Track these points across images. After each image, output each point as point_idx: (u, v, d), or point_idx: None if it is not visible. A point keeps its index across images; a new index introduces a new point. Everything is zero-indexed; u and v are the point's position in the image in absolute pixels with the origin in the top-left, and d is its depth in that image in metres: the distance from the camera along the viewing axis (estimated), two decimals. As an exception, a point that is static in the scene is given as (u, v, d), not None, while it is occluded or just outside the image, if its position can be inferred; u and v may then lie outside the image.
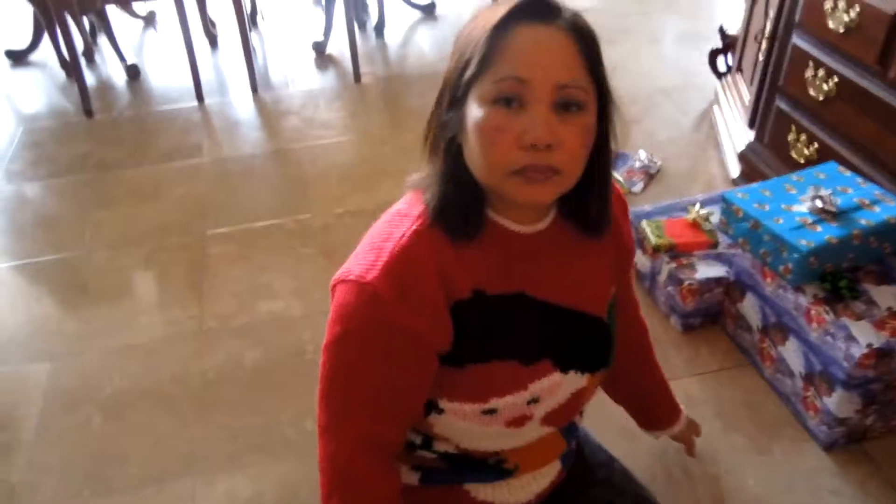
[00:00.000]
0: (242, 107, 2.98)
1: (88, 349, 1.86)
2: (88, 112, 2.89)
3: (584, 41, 0.78)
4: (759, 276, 1.61)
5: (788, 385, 1.58)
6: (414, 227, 0.83)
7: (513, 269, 0.87)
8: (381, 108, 2.96)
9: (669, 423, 1.30)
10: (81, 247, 2.22)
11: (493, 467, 0.98)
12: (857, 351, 1.37)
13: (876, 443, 1.52)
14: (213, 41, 3.44)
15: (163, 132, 2.81)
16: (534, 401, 0.90)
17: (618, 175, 2.36)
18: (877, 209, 1.54)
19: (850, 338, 1.40)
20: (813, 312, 1.47)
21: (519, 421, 0.91)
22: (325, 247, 2.18)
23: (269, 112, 2.93)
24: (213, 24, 3.47)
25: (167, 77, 3.20)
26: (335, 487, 0.89)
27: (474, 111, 0.77)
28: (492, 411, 0.88)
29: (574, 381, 0.93)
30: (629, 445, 1.37)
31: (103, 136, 2.79)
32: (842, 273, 1.52)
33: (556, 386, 0.91)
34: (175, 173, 2.55)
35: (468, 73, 0.77)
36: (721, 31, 2.77)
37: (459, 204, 0.82)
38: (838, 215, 1.53)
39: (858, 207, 1.55)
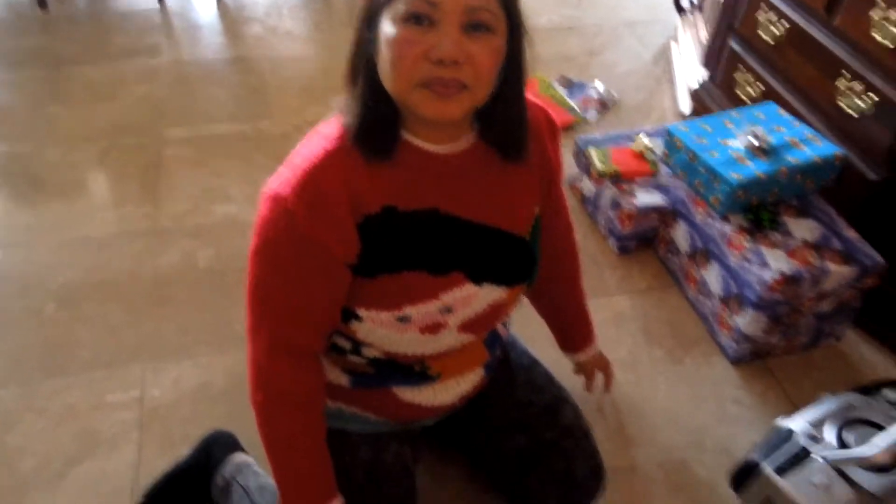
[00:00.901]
0: (205, 10, 2.93)
1: (42, 240, 1.89)
2: (43, 4, 2.82)
3: None
4: (691, 205, 1.71)
5: (708, 305, 1.71)
6: (327, 146, 0.89)
7: (427, 187, 0.92)
8: (347, 21, 2.93)
9: (579, 348, 1.36)
10: (35, 141, 2.21)
11: (418, 373, 1.06)
12: (769, 276, 1.49)
13: (777, 360, 1.66)
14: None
15: (121, 30, 2.76)
16: (447, 310, 0.98)
17: (573, 103, 2.42)
18: (805, 148, 1.64)
19: (764, 264, 1.51)
20: (735, 240, 1.58)
21: (433, 328, 0.99)
22: (282, 155, 2.16)
23: (233, 17, 2.89)
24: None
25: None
26: (259, 385, 0.99)
27: (387, 28, 0.81)
28: (405, 318, 0.96)
29: (490, 293, 1.00)
30: (557, 354, 1.48)
31: (58, 31, 2.73)
32: (766, 206, 1.63)
33: (471, 297, 0.99)
34: (133, 73, 2.53)
35: None
36: (687, -33, 2.79)
37: (375, 124, 0.87)
38: (769, 152, 1.63)
39: (789, 146, 1.65)
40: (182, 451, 1.37)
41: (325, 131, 0.93)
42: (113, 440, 1.46)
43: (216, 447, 1.37)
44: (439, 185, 0.94)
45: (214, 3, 2.95)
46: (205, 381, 1.58)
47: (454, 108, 0.84)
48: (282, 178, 0.90)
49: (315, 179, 0.87)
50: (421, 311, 0.96)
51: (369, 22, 0.85)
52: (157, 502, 1.33)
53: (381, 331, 0.98)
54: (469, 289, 0.98)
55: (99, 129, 2.27)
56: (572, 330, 1.36)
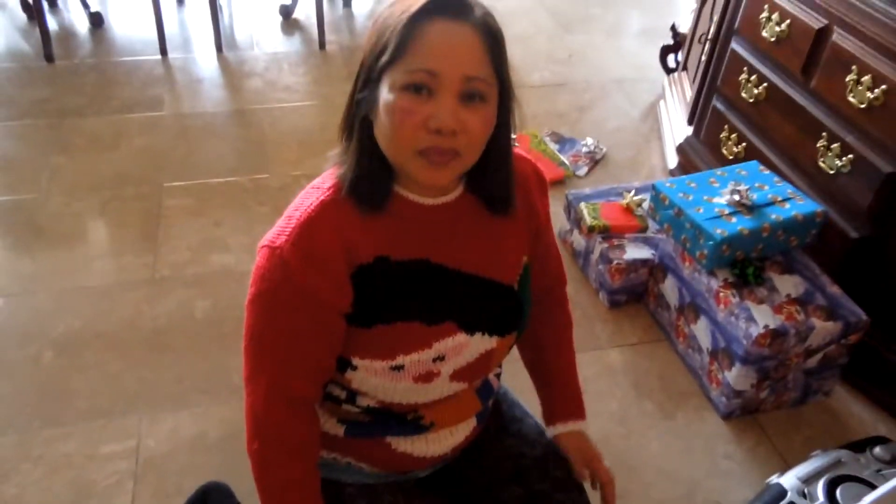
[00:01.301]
0: (206, 64, 3.01)
1: (42, 289, 1.92)
2: (49, 57, 2.89)
3: (492, 39, 0.85)
4: (679, 259, 1.76)
5: (697, 360, 1.74)
6: (322, 198, 0.91)
7: (418, 238, 0.95)
8: (344, 76, 3.02)
9: (558, 418, 1.19)
10: (38, 190, 2.26)
11: (412, 423, 1.08)
12: (755, 331, 1.53)
13: (767, 415, 1.69)
14: (179, -4, 3.44)
15: (124, 83, 2.83)
16: (439, 358, 0.99)
17: (564, 158, 2.49)
18: (787, 206, 1.70)
19: (751, 319, 1.55)
20: (721, 295, 1.62)
21: (426, 377, 1.01)
22: (281, 206, 2.21)
23: (233, 72, 2.97)
24: (181, -21, 3.47)
25: (131, 28, 3.20)
26: (255, 434, 1.00)
27: (386, 94, 0.84)
28: (399, 367, 0.97)
29: (481, 342, 1.02)
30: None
31: (64, 83, 2.80)
32: (751, 261, 1.68)
33: (462, 346, 1.01)
34: (135, 125, 2.59)
35: (383, 59, 0.83)
36: (673, 28, 2.90)
37: (368, 178, 0.91)
38: (753, 209, 1.68)
39: (771, 203, 1.71)
40: (177, 503, 1.37)
41: (320, 183, 0.96)
42: (107, 491, 1.47)
43: (211, 499, 1.38)
44: (430, 236, 0.97)
45: (215, 58, 3.04)
46: (201, 430, 1.60)
47: (447, 175, 0.88)
48: (277, 229, 0.93)
49: (310, 230, 0.90)
50: (414, 360, 0.98)
51: (367, 82, 0.89)
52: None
53: (375, 380, 1.00)
54: (461, 338, 1.00)
55: (101, 179, 2.31)
56: (555, 391, 1.23)
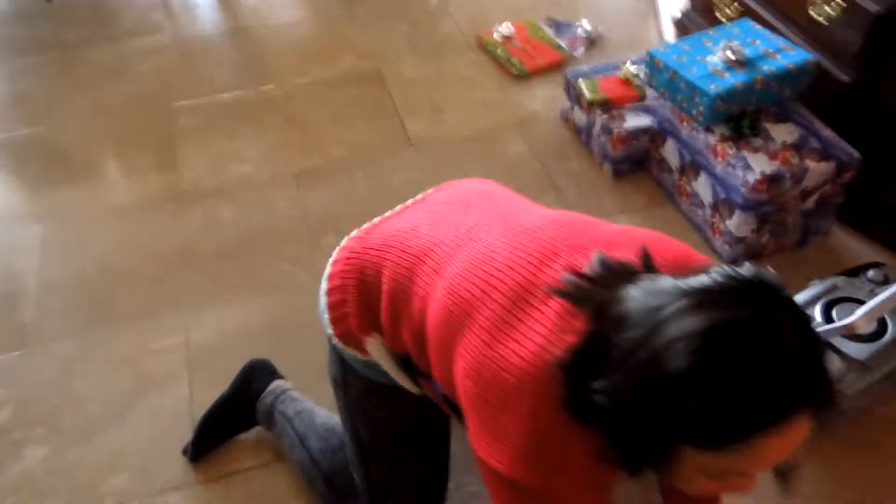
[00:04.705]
0: (199, -14, 3.02)
1: (74, 212, 2.02)
2: (45, -7, 2.91)
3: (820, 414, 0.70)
4: (677, 121, 1.82)
5: (700, 215, 1.83)
6: (581, 451, 0.79)
7: None
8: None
9: None
10: (53, 122, 2.33)
11: None
12: (752, 177, 1.60)
13: (770, 259, 1.78)
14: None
15: (122, 12, 2.86)
16: None
17: (561, 42, 2.51)
18: (779, 58, 1.74)
19: (748, 167, 1.63)
20: (719, 148, 1.69)
21: None
22: (288, 114, 2.32)
23: (226, -9, 2.98)
24: None
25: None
26: None
27: (686, 463, 0.72)
28: None
29: None
30: None
31: (63, 18, 2.83)
32: (746, 114, 1.74)
33: None
34: (138, 51, 2.64)
35: (692, 440, 0.69)
36: None
37: (636, 462, 0.77)
38: (745, 63, 1.73)
39: (764, 56, 1.75)
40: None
41: (548, 416, 0.79)
42: (165, 380, 1.61)
43: (256, 375, 1.51)
44: None
45: (207, -21, 3.04)
46: (243, 321, 1.72)
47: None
48: (533, 467, 0.83)
49: (589, 472, 0.81)
50: None
51: (659, 426, 0.70)
52: (211, 429, 1.48)
53: None
54: None
55: (113, 105, 2.38)
56: None
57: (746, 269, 0.72)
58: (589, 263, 0.82)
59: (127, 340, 1.69)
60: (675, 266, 0.81)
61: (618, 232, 0.94)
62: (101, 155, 2.22)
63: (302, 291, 1.75)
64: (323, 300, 1.10)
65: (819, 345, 0.71)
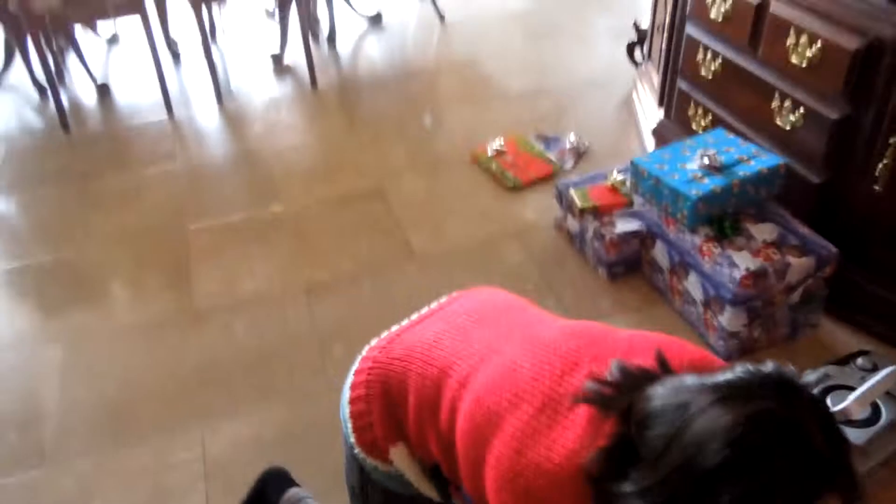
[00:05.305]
0: (209, 116, 3.23)
1: (95, 332, 2.11)
2: (65, 127, 3.11)
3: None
4: (664, 224, 1.94)
5: (693, 313, 1.92)
6: None
7: None
8: (338, 111, 3.24)
9: None
10: (75, 247, 2.46)
11: None
12: (738, 273, 1.71)
13: (763, 353, 1.86)
14: (176, 57, 3.68)
15: (137, 143, 3.05)
16: None
17: (551, 155, 2.69)
18: (752, 162, 1.89)
19: (733, 264, 1.74)
20: (705, 248, 1.81)
21: None
22: (298, 232, 2.46)
23: (235, 119, 3.19)
24: (175, 42, 3.71)
25: (135, 93, 3.43)
26: None
27: None
28: None
29: None
30: None
31: (82, 149, 3.02)
32: (727, 216, 1.86)
33: None
34: (153, 178, 2.80)
35: None
36: (635, 25, 3.12)
37: None
38: (722, 169, 1.87)
39: (738, 162, 1.89)
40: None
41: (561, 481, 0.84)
42: (182, 492, 1.65)
43: (272, 483, 1.55)
44: None
45: (217, 109, 3.26)
46: (257, 434, 1.78)
47: None
48: None
49: None
50: None
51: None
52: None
53: None
54: None
55: (131, 230, 2.52)
56: None
57: (766, 364, 0.77)
58: (609, 371, 0.86)
59: (146, 455, 1.74)
60: (693, 368, 0.85)
61: (633, 336, 0.98)
62: (120, 277, 2.33)
63: (314, 401, 1.82)
64: (346, 409, 1.12)
65: (840, 432, 0.75)
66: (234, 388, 1.90)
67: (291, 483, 1.55)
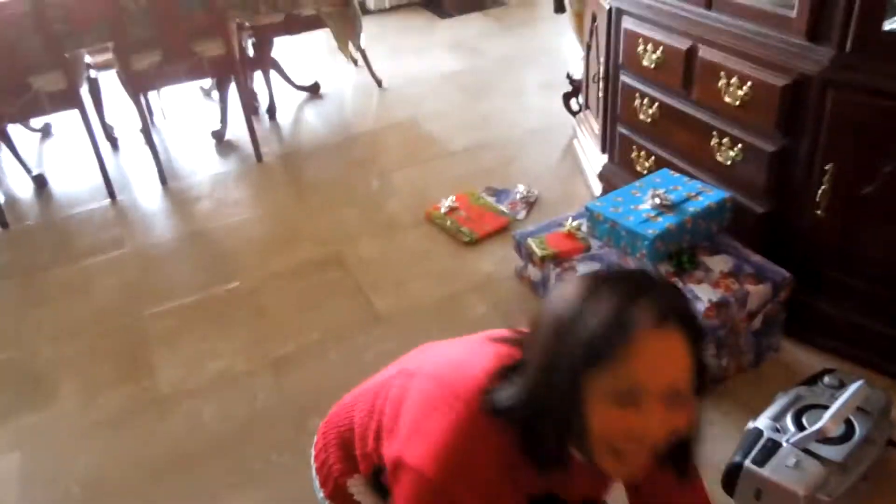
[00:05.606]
0: (154, 198, 3.19)
1: (53, 432, 2.01)
2: (3, 223, 3.02)
3: (696, 342, 0.84)
4: (624, 264, 1.99)
5: (662, 348, 1.95)
6: (493, 447, 0.90)
7: (558, 479, 0.97)
8: (285, 181, 3.24)
9: None
10: (24, 345, 2.36)
11: None
12: (702, 306, 1.76)
13: (733, 380, 1.90)
14: (113, 143, 3.63)
15: (81, 231, 2.98)
16: None
17: (503, 207, 2.74)
18: (700, 198, 1.97)
19: (696, 297, 1.79)
20: (666, 285, 1.86)
21: None
22: (257, 306, 2.42)
23: (181, 199, 3.15)
24: (111, 128, 3.67)
25: (74, 182, 3.36)
26: None
27: (590, 396, 0.82)
28: None
29: None
30: None
31: (23, 244, 2.93)
32: (683, 251, 1.92)
33: None
34: (101, 266, 2.73)
35: (590, 358, 0.81)
36: (568, 76, 3.24)
37: (554, 452, 0.89)
38: (673, 207, 1.94)
39: (687, 199, 1.97)
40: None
41: (470, 411, 0.92)
42: (165, 593, 1.56)
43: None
44: (567, 479, 0.97)
45: (161, 190, 3.22)
46: (238, 520, 1.71)
47: (640, 473, 0.88)
48: (441, 465, 0.90)
49: (488, 486, 0.90)
50: None
51: (565, 363, 0.84)
52: None
53: None
54: None
55: (82, 321, 2.44)
56: None
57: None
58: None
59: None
60: None
61: None
62: (74, 372, 2.24)
63: (293, 477, 1.77)
64: (312, 469, 1.24)
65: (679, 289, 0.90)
66: (208, 476, 1.83)
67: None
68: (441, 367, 1.03)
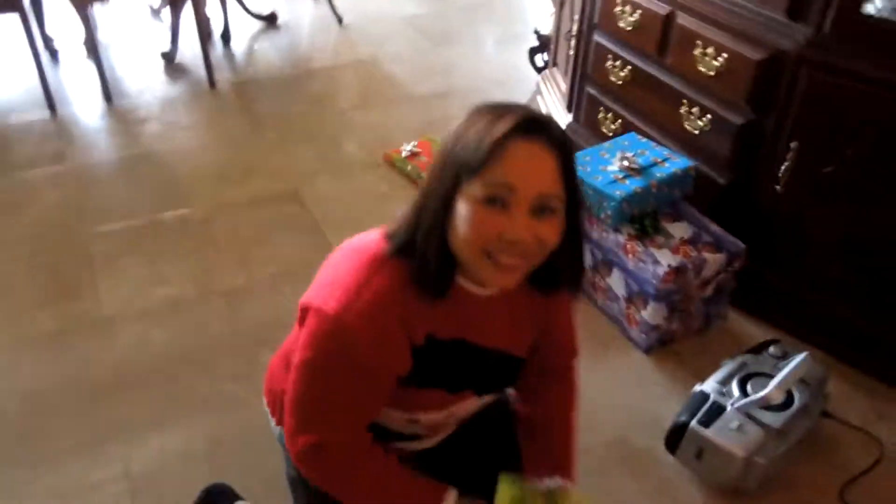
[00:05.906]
0: (98, 115, 3.03)
1: (-12, 347, 1.92)
2: (-69, 126, 2.82)
3: (565, 158, 0.93)
4: (588, 225, 2.02)
5: (615, 308, 2.01)
6: (386, 278, 0.97)
7: (462, 321, 1.04)
8: (239, 110, 3.13)
9: (552, 472, 1.16)
10: (-45, 257, 2.23)
11: (407, 437, 1.19)
12: (661, 270, 1.81)
13: (680, 344, 1.97)
14: (53, 55, 3.42)
15: (19, 142, 2.81)
16: (451, 415, 1.14)
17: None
18: (666, 165, 2.00)
19: (656, 262, 1.84)
20: (629, 246, 1.90)
21: (435, 428, 1.17)
22: (209, 237, 2.35)
23: (128, 119, 3.01)
24: (52, 39, 3.44)
25: (11, 90, 3.16)
26: (317, 476, 1.08)
27: (465, 202, 0.91)
28: (414, 420, 1.12)
29: (486, 399, 1.17)
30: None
31: (-48, 150, 2.75)
32: (647, 215, 1.97)
33: (472, 404, 1.15)
34: (40, 179, 2.59)
35: (466, 170, 0.90)
36: (536, 32, 3.22)
37: (436, 272, 0.96)
38: (640, 171, 1.98)
39: (654, 164, 2.01)
40: (180, 510, 1.46)
41: (371, 252, 1.00)
42: (108, 514, 1.54)
43: (215, 500, 1.48)
44: (474, 320, 1.05)
45: (105, 108, 3.05)
46: (186, 443, 1.68)
47: (513, 279, 0.96)
48: (336, 297, 0.97)
49: (377, 310, 0.95)
50: (430, 418, 1.12)
51: (444, 180, 0.93)
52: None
53: (387, 420, 1.11)
54: (473, 400, 1.14)
55: (21, 235, 2.31)
56: (543, 450, 1.22)
57: None
58: None
59: (62, 477, 1.60)
60: None
61: None
62: (13, 286, 2.13)
63: (244, 408, 1.75)
64: (264, 402, 1.26)
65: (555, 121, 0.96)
66: (155, 399, 1.79)
67: (235, 497, 1.49)
68: (348, 249, 1.07)
